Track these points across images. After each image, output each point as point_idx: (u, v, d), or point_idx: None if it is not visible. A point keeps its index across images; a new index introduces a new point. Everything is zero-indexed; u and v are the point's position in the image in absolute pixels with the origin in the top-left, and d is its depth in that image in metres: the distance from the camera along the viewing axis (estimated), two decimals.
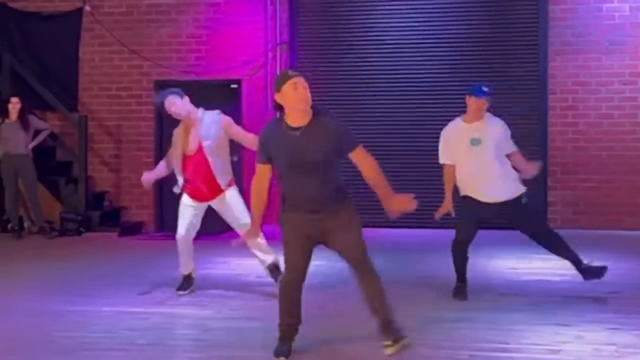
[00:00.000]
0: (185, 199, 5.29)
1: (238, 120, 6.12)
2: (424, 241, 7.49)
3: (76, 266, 6.70)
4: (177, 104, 5.11)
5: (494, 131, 5.00)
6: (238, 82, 9.06)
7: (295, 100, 3.59)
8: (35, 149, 8.51)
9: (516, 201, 4.98)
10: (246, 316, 4.75)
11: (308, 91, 3.61)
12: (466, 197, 5.05)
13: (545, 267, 5.37)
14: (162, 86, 9.11)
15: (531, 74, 8.73)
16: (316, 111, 3.65)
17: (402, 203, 3.67)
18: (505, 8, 8.81)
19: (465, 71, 8.69)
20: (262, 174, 3.76)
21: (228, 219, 5.29)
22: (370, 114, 8.89)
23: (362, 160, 3.70)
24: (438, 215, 5.08)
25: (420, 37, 8.92)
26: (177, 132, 5.28)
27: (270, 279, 5.29)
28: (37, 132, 8.52)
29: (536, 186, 7.00)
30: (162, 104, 5.16)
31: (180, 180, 5.28)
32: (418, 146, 8.67)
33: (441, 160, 5.13)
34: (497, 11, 8.83)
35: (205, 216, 9.20)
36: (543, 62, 8.67)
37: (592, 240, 7.42)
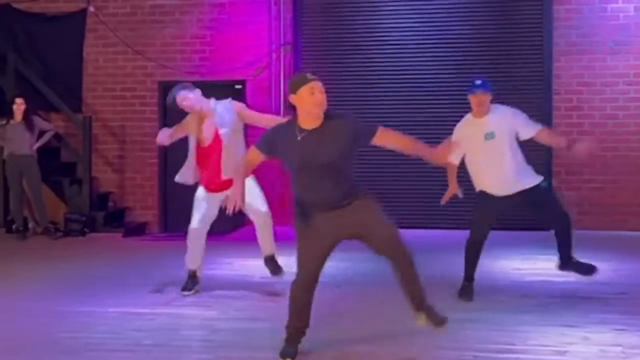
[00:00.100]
0: (200, 192, 5.29)
1: None
2: (429, 242, 7.47)
3: (81, 267, 6.70)
4: (190, 98, 5.12)
5: (505, 121, 4.99)
6: (242, 82, 9.07)
7: (311, 104, 3.59)
8: (40, 150, 8.53)
9: (533, 189, 4.97)
10: (252, 317, 4.75)
11: (325, 96, 3.62)
12: (482, 193, 5.04)
13: (550, 268, 5.35)
14: (166, 87, 9.18)
15: (536, 75, 8.72)
16: (328, 114, 3.65)
17: (443, 152, 3.93)
18: (509, 8, 8.80)
19: (469, 72, 8.65)
20: (254, 156, 3.79)
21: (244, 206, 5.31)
22: (374, 114, 8.88)
23: (388, 138, 3.73)
24: (444, 200, 5.05)
25: (425, 37, 8.92)
26: (189, 120, 5.26)
27: (270, 275, 5.40)
28: (41, 133, 8.54)
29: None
30: (174, 100, 5.15)
31: (187, 171, 5.22)
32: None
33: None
34: (501, 11, 8.82)
35: None
36: (547, 62, 8.66)
37: (596, 241, 7.41)
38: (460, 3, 8.88)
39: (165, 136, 5.31)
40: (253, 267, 6.03)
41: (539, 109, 8.66)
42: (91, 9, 9.35)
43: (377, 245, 3.71)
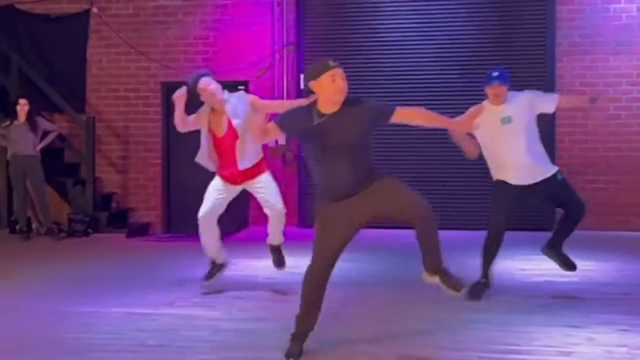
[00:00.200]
0: (214, 182, 5.31)
1: None
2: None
3: (84, 267, 6.71)
4: (213, 85, 5.13)
5: (523, 105, 4.98)
6: (245, 83, 9.07)
7: (332, 92, 3.60)
8: (43, 151, 8.54)
9: (551, 179, 4.98)
10: (256, 317, 4.75)
11: (346, 83, 3.62)
12: (499, 183, 5.03)
13: (554, 268, 5.35)
14: (170, 88, 9.19)
15: (538, 75, 8.71)
16: (347, 99, 3.65)
17: (468, 121, 4.05)
18: (512, 9, 8.80)
19: (472, 72, 8.67)
20: (271, 128, 3.75)
21: (260, 201, 5.33)
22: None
23: (408, 115, 3.77)
24: (468, 153, 5.01)
25: (427, 38, 8.92)
26: (204, 110, 5.26)
27: (273, 266, 5.46)
28: (45, 134, 8.55)
29: None
30: (196, 83, 5.13)
31: (205, 155, 5.24)
32: (425, 146, 8.67)
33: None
34: (504, 12, 8.82)
35: None
36: (550, 62, 8.66)
37: (599, 242, 7.42)
38: (463, 3, 8.88)
39: (181, 121, 5.27)
40: (257, 267, 6.03)
41: None
42: (94, 9, 9.36)
43: (401, 218, 3.69)
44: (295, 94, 9.06)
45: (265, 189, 5.25)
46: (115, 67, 9.41)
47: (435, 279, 3.78)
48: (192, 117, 5.28)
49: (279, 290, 5.43)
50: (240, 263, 6.60)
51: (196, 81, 5.13)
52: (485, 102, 5.06)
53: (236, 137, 5.14)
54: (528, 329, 4.29)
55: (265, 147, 5.88)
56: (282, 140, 8.62)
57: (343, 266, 6.68)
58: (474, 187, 8.76)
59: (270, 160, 5.42)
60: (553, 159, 8.40)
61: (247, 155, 5.16)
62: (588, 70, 8.58)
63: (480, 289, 5.02)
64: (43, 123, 8.60)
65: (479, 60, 8.74)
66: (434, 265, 3.75)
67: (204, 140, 5.25)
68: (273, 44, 9.07)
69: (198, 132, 5.35)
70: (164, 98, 9.13)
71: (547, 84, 8.67)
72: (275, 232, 5.38)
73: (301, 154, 9.01)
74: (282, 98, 8.91)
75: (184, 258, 7.07)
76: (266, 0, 9.11)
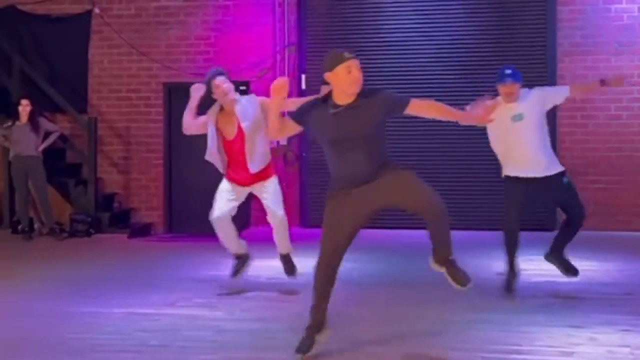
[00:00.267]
0: (223, 184, 5.31)
1: None
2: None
3: (86, 267, 6.72)
4: (227, 84, 5.16)
5: (534, 102, 5.01)
6: (246, 84, 9.08)
7: (347, 83, 3.60)
8: (45, 151, 8.56)
9: (557, 178, 5.01)
10: (258, 317, 4.76)
11: (361, 74, 3.62)
12: (509, 179, 5.05)
13: (555, 269, 5.35)
14: (171, 88, 9.22)
15: (540, 75, 8.70)
16: (362, 91, 3.65)
17: (484, 115, 4.06)
18: (513, 9, 8.81)
19: (473, 72, 8.68)
20: (289, 123, 3.75)
21: (264, 206, 5.34)
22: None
23: (422, 107, 3.76)
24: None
25: (429, 38, 8.93)
26: (214, 109, 5.26)
27: (284, 274, 5.46)
28: (47, 134, 8.57)
29: None
30: (212, 78, 5.15)
31: (213, 153, 5.24)
32: (427, 147, 8.68)
33: None
34: (505, 12, 8.83)
35: None
36: (551, 63, 8.66)
37: (601, 242, 7.42)
38: (464, 4, 8.89)
39: (190, 122, 5.27)
40: (259, 267, 6.03)
41: None
42: (96, 10, 9.38)
43: (416, 211, 3.68)
44: (296, 94, 9.06)
45: (270, 195, 5.26)
46: (117, 68, 9.42)
47: (442, 270, 3.77)
48: (203, 118, 5.28)
49: (281, 290, 5.44)
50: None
51: (213, 76, 5.17)
52: (497, 98, 5.08)
53: (244, 140, 5.14)
54: (530, 329, 4.30)
55: None
56: (283, 141, 8.63)
57: (344, 266, 6.70)
58: (476, 188, 8.77)
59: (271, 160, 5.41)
60: None
61: (256, 157, 5.17)
62: (589, 71, 8.58)
63: (511, 281, 5.04)
64: (45, 124, 8.62)
65: (480, 61, 8.75)
66: (442, 256, 3.74)
67: (211, 140, 5.23)
68: (274, 44, 9.08)
69: (201, 134, 5.35)
70: (166, 99, 9.16)
71: (548, 85, 8.66)
72: (280, 241, 5.38)
73: (302, 154, 9.03)
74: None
75: (186, 258, 7.08)
76: (267, 1, 9.12)
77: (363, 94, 3.65)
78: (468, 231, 8.10)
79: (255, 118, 5.16)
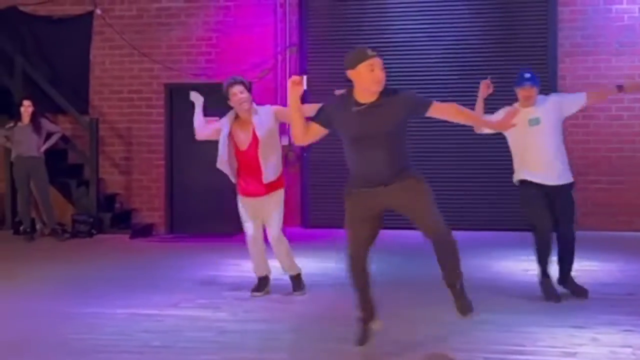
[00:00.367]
0: (240, 203, 5.29)
1: None
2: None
3: (88, 268, 6.73)
4: (245, 95, 5.15)
5: (551, 108, 5.02)
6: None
7: (370, 81, 3.60)
8: (47, 152, 8.57)
9: (566, 189, 5.02)
10: (261, 318, 4.76)
11: (384, 73, 3.62)
12: (524, 185, 5.04)
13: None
14: (173, 89, 9.23)
15: (541, 76, 8.69)
16: (384, 89, 3.65)
17: (506, 121, 4.03)
18: (514, 10, 8.81)
19: (475, 72, 8.67)
20: (314, 127, 3.74)
21: (263, 219, 5.32)
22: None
23: (443, 111, 3.75)
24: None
25: (430, 38, 8.94)
26: (229, 115, 5.24)
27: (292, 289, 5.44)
28: (48, 135, 8.58)
29: None
30: (230, 86, 5.14)
31: (224, 161, 5.23)
32: (428, 147, 8.68)
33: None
34: (506, 13, 8.83)
35: (216, 217, 9.26)
36: (552, 63, 8.67)
37: (602, 242, 7.42)
38: (465, 5, 8.90)
39: (201, 127, 5.27)
40: None
41: None
42: (98, 11, 9.39)
43: (419, 228, 3.69)
44: None
45: (271, 209, 5.22)
46: (119, 69, 9.43)
47: (450, 293, 3.78)
48: (216, 124, 5.26)
49: (284, 291, 5.44)
50: (244, 264, 6.61)
51: (231, 85, 5.16)
52: (515, 105, 5.07)
53: (258, 150, 5.13)
54: (532, 330, 4.30)
55: None
56: (284, 141, 8.63)
57: (343, 267, 6.70)
58: (476, 188, 8.78)
59: None
60: None
61: (270, 167, 5.17)
62: (590, 71, 8.59)
63: (550, 285, 5.02)
64: (47, 124, 8.63)
65: (481, 61, 8.76)
66: (448, 281, 3.75)
67: (222, 147, 5.21)
68: (276, 45, 9.09)
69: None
70: (167, 99, 9.16)
71: (549, 85, 8.68)
72: (283, 261, 5.33)
73: (304, 154, 9.04)
74: (286, 99, 8.92)
75: (188, 259, 7.09)
76: (269, 2, 9.13)
77: (386, 93, 3.65)
78: (468, 231, 8.11)
79: (269, 128, 5.17)
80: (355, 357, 3.91)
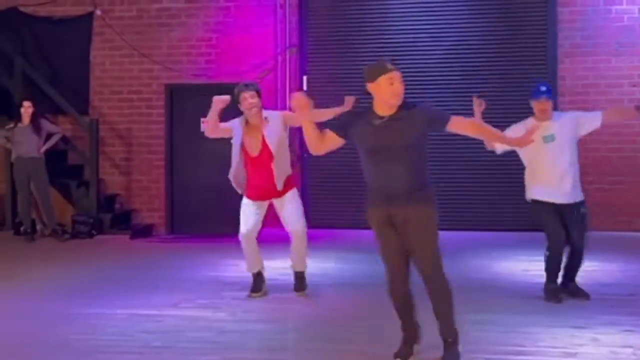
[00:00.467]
0: (246, 201, 5.30)
1: None
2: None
3: (89, 269, 6.73)
4: (256, 100, 5.13)
5: (567, 125, 4.99)
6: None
7: (389, 94, 3.60)
8: (47, 153, 8.57)
9: (576, 206, 5.01)
10: (261, 318, 4.77)
11: (403, 86, 3.63)
12: (536, 204, 5.04)
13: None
14: (173, 89, 9.23)
15: (540, 76, 8.71)
16: (403, 103, 3.65)
17: (525, 138, 3.97)
18: (514, 10, 8.82)
19: (475, 73, 8.71)
20: (331, 136, 3.72)
21: (283, 219, 5.33)
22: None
23: (461, 126, 3.74)
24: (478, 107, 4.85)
25: (430, 39, 8.94)
26: (239, 121, 5.23)
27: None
28: (49, 136, 8.58)
29: None
30: (242, 91, 5.13)
31: (235, 183, 5.23)
32: (428, 148, 8.68)
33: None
34: (506, 13, 8.84)
35: (216, 218, 9.25)
36: (552, 64, 8.67)
37: (602, 242, 7.39)
38: (465, 6, 8.90)
39: (210, 126, 5.21)
40: None
41: None
42: (98, 12, 9.39)
43: (416, 264, 3.68)
44: None
45: (290, 206, 5.24)
46: (119, 69, 9.43)
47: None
48: (226, 124, 5.24)
49: (284, 291, 5.45)
50: (243, 264, 6.60)
51: (242, 89, 5.15)
52: (529, 119, 5.04)
53: (270, 156, 5.14)
54: (533, 330, 4.31)
55: None
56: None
57: (343, 267, 6.69)
58: (478, 188, 8.78)
59: None
60: None
61: (283, 174, 5.19)
62: (590, 72, 8.59)
63: (557, 291, 5.02)
64: (47, 125, 8.63)
65: (481, 62, 8.77)
66: (442, 334, 3.72)
67: (235, 156, 5.20)
68: (276, 46, 9.09)
69: (201, 135, 5.35)
70: (167, 100, 9.17)
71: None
72: (297, 256, 5.34)
73: (304, 155, 9.03)
74: (286, 100, 8.93)
75: (188, 259, 7.09)
76: (269, 3, 9.13)
77: (405, 106, 3.65)
78: (468, 231, 8.12)
79: (280, 136, 5.18)
80: (355, 357, 3.91)
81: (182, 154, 9.06)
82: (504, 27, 8.84)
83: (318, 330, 4.46)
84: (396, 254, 3.68)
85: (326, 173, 8.93)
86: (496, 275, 6.04)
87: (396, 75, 3.61)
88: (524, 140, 4.01)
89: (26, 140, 8.38)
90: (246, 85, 5.21)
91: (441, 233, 3.71)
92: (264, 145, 5.14)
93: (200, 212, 8.97)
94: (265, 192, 5.22)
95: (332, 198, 9.08)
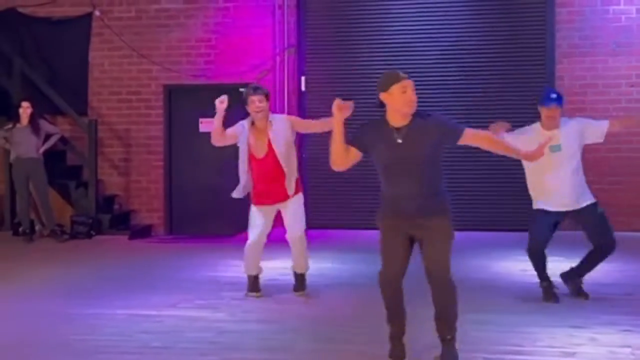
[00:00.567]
0: (254, 208, 5.30)
1: None
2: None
3: (88, 269, 6.73)
4: (264, 104, 5.13)
5: (572, 134, 4.95)
6: (247, 85, 9.09)
7: (402, 103, 3.60)
8: (46, 153, 8.57)
9: (588, 210, 4.97)
10: (260, 319, 4.77)
11: (416, 95, 3.62)
12: (539, 212, 5.03)
13: (556, 269, 5.37)
14: (172, 90, 9.24)
15: (538, 77, 8.75)
16: (416, 112, 3.65)
17: (537, 152, 3.96)
18: (512, 11, 8.83)
19: (473, 74, 8.72)
20: (353, 151, 3.70)
21: (285, 224, 5.34)
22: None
23: (475, 138, 3.72)
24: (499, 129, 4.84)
25: (428, 40, 8.95)
26: (245, 127, 5.21)
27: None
28: (47, 136, 8.58)
29: None
30: (251, 92, 5.13)
31: (243, 183, 5.23)
32: None
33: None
34: (504, 14, 8.85)
35: (215, 218, 9.26)
36: (550, 64, 8.69)
37: None
38: (464, 6, 8.91)
39: (217, 134, 5.17)
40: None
41: None
42: (97, 13, 9.39)
43: (426, 263, 3.68)
44: (296, 96, 9.09)
45: (292, 211, 5.24)
46: (118, 70, 9.44)
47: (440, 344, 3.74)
48: (230, 130, 5.23)
49: (283, 291, 5.46)
50: (243, 265, 6.62)
51: (251, 93, 5.14)
52: (536, 125, 5.01)
53: (276, 159, 5.14)
54: (531, 330, 4.32)
55: None
56: None
57: (341, 268, 6.69)
58: (478, 188, 8.79)
59: None
60: None
61: (292, 177, 5.20)
62: (588, 72, 8.61)
63: (550, 289, 5.02)
64: (46, 126, 8.63)
65: (479, 62, 8.78)
66: (440, 333, 3.72)
67: (243, 162, 5.21)
68: (274, 46, 9.10)
69: (200, 135, 5.35)
70: (166, 101, 9.18)
71: (549, 85, 8.70)
72: (297, 259, 5.36)
73: (302, 155, 9.04)
74: (284, 100, 8.95)
75: (186, 259, 7.10)
76: (267, 3, 9.14)
77: (418, 115, 3.64)
78: (468, 231, 8.12)
79: (286, 140, 5.18)
80: (355, 358, 3.92)
81: (181, 155, 9.07)
82: (502, 27, 8.86)
83: (317, 330, 4.47)
84: (397, 259, 3.69)
85: (324, 174, 8.93)
86: (495, 275, 6.05)
87: (409, 84, 3.61)
88: (536, 156, 3.97)
89: (25, 140, 8.39)
90: (255, 89, 5.19)
91: (458, 233, 3.72)
92: (270, 148, 5.14)
93: (199, 213, 8.98)
94: (272, 195, 5.21)
95: (330, 199, 9.09)
